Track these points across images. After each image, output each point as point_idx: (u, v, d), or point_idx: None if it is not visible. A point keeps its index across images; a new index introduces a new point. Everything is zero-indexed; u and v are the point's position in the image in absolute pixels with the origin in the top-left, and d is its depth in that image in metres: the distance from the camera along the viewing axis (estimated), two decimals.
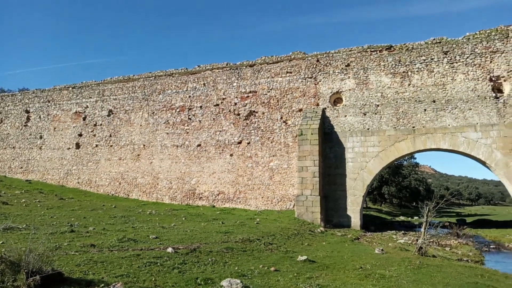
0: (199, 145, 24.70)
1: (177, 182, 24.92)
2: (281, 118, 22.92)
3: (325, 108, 21.97)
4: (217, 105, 24.64)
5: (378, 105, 20.84)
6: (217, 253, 9.63)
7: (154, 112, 26.53)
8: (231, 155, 23.73)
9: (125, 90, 27.93)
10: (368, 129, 20.78)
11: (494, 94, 19.00)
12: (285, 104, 22.97)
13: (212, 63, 25.54)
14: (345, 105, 21.66)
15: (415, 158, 50.82)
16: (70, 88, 30.09)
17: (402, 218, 35.25)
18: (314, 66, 22.64)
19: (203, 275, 7.58)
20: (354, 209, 20.31)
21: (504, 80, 19.01)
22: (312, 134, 20.42)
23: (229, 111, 24.26)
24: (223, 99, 24.54)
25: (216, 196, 23.70)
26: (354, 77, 21.60)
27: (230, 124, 24.13)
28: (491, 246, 16.71)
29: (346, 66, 21.89)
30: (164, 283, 6.78)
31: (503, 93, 19.05)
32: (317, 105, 22.20)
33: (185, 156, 24.97)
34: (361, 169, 20.46)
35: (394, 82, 20.74)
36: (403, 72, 20.62)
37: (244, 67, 24.33)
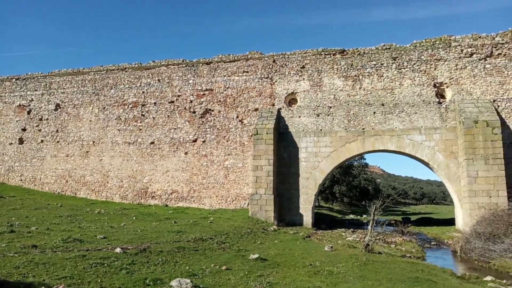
0: (152, 143, 24.12)
1: (129, 181, 24.18)
2: (237, 117, 22.94)
3: (281, 109, 22.27)
4: (172, 102, 24.19)
5: (330, 107, 21.45)
6: (168, 253, 9.46)
7: (105, 108, 25.55)
8: (186, 153, 23.41)
9: (74, 84, 26.66)
10: (321, 130, 21.33)
11: (437, 100, 20.21)
12: (241, 103, 23.01)
13: (167, 59, 25.02)
14: (300, 106, 22.09)
15: (365, 159, 52.89)
16: (14, 80, 28.22)
17: (352, 216, 36.55)
18: (271, 66, 22.87)
19: (152, 275, 7.41)
20: (306, 208, 20.77)
21: (447, 87, 20.28)
22: (267, 133, 20.63)
23: (185, 108, 23.90)
24: (179, 96, 24.14)
25: (169, 195, 23.27)
26: (309, 79, 22.08)
27: (185, 121, 23.78)
28: (432, 243, 17.74)
29: (301, 68, 22.32)
30: (110, 285, 6.55)
31: (446, 98, 20.32)
32: (273, 105, 22.45)
33: (138, 154, 24.28)
34: (314, 168, 20.96)
35: (346, 85, 21.44)
36: (355, 75, 21.37)
37: (201, 65, 24.09)
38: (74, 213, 17.16)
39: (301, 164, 21.25)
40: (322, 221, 24.58)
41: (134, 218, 16.83)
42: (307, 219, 20.59)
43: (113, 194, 24.34)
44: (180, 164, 23.41)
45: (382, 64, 21.11)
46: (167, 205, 22.75)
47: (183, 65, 24.42)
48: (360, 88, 21.25)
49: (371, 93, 21.04)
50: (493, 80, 19.55)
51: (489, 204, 17.07)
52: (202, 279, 7.43)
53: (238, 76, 23.31)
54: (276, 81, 22.65)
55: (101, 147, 25.18)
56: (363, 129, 20.74)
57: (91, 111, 25.86)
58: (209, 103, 23.53)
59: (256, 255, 9.66)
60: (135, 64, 25.58)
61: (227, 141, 22.85)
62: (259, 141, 20.64)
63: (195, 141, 23.42)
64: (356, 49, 21.76)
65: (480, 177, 17.69)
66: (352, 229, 20.51)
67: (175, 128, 23.88)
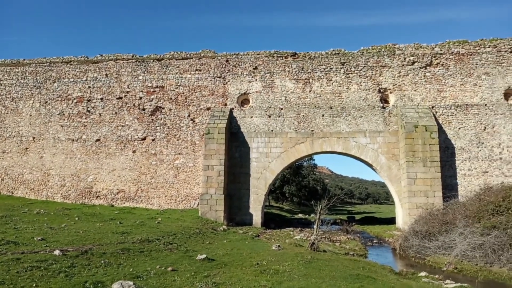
0: (98, 140, 23.14)
1: (72, 179, 23.01)
2: (189, 115, 22.63)
3: (233, 108, 22.29)
4: (120, 98, 23.37)
5: (282, 108, 21.81)
6: (111, 254, 9.13)
7: (47, 102, 24.13)
8: (134, 151, 22.72)
9: (12, 75, 24.91)
10: (272, 130, 21.63)
11: (381, 104, 21.24)
12: (193, 102, 22.74)
13: (116, 53, 24.11)
14: (252, 106, 22.24)
15: (314, 160, 54.39)
16: None
17: (300, 215, 37.42)
18: (224, 66, 22.81)
19: (93, 278, 7.12)
20: (256, 207, 20.96)
21: (390, 92, 21.37)
22: (219, 133, 20.56)
23: (134, 105, 23.19)
24: (127, 92, 23.37)
25: (115, 195, 22.45)
26: (261, 80, 22.29)
27: (134, 119, 23.07)
28: (374, 241, 18.64)
29: (254, 68, 22.49)
30: None
31: (389, 103, 21.40)
32: (225, 104, 22.41)
33: (82, 152, 23.18)
34: (264, 168, 21.21)
35: (297, 87, 21.91)
36: (305, 78, 21.90)
37: (152, 61, 23.49)
38: (10, 213, 16.03)
39: (252, 164, 21.41)
40: (271, 221, 24.93)
41: (76, 218, 16.06)
42: (257, 218, 20.78)
43: (54, 193, 23.05)
44: (128, 163, 22.67)
45: (331, 68, 21.82)
46: (113, 205, 21.93)
47: (133, 60, 23.68)
48: (310, 91, 21.81)
49: (320, 96, 21.66)
50: (432, 87, 20.89)
51: (426, 204, 18.23)
52: (146, 281, 7.26)
53: (190, 74, 23.01)
54: (229, 81, 22.64)
55: (42, 143, 23.75)
56: (312, 131, 21.31)
57: (31, 105, 24.31)
58: (160, 101, 23.01)
59: (204, 256, 9.59)
60: (81, 57, 24.41)
61: (177, 140, 22.47)
62: (211, 140, 20.53)
63: (144, 139, 22.79)
64: (307, 53, 22.30)
65: (418, 178, 18.84)
66: (300, 228, 20.99)
67: (123, 125, 23.09)
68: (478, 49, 20.83)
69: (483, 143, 19.93)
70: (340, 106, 21.41)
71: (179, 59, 23.26)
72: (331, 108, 21.46)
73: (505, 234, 11.90)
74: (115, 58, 23.91)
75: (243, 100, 22.66)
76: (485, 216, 13.44)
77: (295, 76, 22.04)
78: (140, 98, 23.18)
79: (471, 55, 20.87)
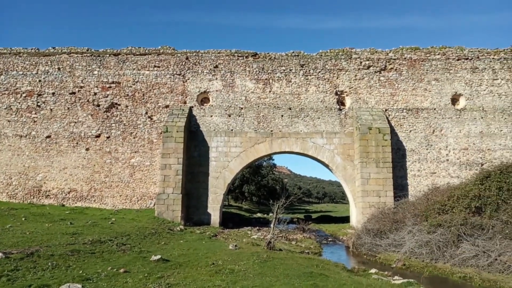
0: (48, 137, 22.04)
1: (19, 178, 21.75)
2: (146, 113, 22.10)
3: (193, 107, 22.03)
4: (74, 93, 22.39)
5: (242, 108, 21.85)
6: (59, 256, 8.73)
7: None
8: (87, 149, 21.85)
9: None
10: (232, 130, 21.61)
11: (338, 107, 21.83)
12: (151, 99, 22.23)
13: (70, 46, 23.07)
14: (212, 105, 22.10)
15: (273, 159, 55.00)
16: None
17: (259, 214, 37.69)
18: (183, 63, 22.49)
19: (39, 281, 6.78)
20: (215, 207, 20.85)
21: (347, 95, 22.02)
22: (177, 131, 20.24)
23: (88, 101, 22.30)
24: (81, 87, 22.43)
25: (66, 194, 21.48)
26: (222, 79, 22.20)
27: (87, 115, 22.18)
28: (329, 239, 19.13)
29: (214, 67, 22.35)
30: None
31: (345, 106, 22.04)
32: (185, 103, 22.10)
33: (31, 148, 21.98)
34: (224, 168, 21.14)
35: (257, 87, 22.03)
36: (266, 79, 22.07)
37: (108, 55, 22.69)
38: None
39: (211, 163, 21.27)
40: (230, 220, 24.91)
41: (23, 219, 15.21)
42: (215, 218, 20.68)
43: None
44: (80, 161, 21.77)
45: (291, 70, 22.13)
46: (63, 205, 20.97)
47: (88, 54, 22.76)
48: (270, 91, 22.00)
49: (280, 97, 21.91)
50: (386, 91, 21.76)
51: (378, 203, 18.97)
52: (96, 283, 7.01)
53: (148, 70, 22.48)
54: (188, 79, 22.34)
55: None
56: (271, 131, 21.51)
57: None
58: (116, 97, 22.28)
59: (158, 256, 9.41)
60: (32, 49, 23.12)
61: (134, 137, 21.87)
62: (169, 139, 20.17)
63: (98, 136, 21.98)
64: (268, 53, 22.48)
65: (371, 178, 19.55)
66: (258, 227, 21.11)
67: (75, 122, 22.13)
68: (429, 56, 21.95)
69: (431, 145, 21.03)
70: (299, 107, 21.78)
71: (137, 55, 22.65)
72: (290, 109, 21.77)
73: (449, 231, 12.62)
74: (68, 51, 22.87)
75: (203, 99, 22.47)
76: (432, 214, 14.19)
77: (256, 76, 22.15)
78: (95, 93, 22.33)
79: (422, 61, 21.94)
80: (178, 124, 20.47)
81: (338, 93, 22.01)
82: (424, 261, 12.26)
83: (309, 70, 22.08)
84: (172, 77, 22.34)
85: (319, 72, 22.06)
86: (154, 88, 22.31)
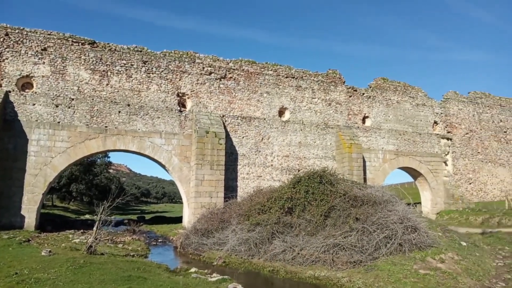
0: None
1: None
2: None
3: (10, 92, 18.98)
4: None
5: (73, 99, 19.92)
6: None
7: None
8: None
9: None
10: (59, 122, 19.49)
11: (179, 108, 22.04)
12: None
13: None
14: (36, 92, 19.48)
15: (109, 157, 51.60)
16: None
17: (88, 216, 34.79)
18: (2, 40, 19.20)
19: None
20: (30, 208, 18.36)
21: (188, 98, 22.42)
22: None
23: None
24: None
25: None
26: (50, 64, 19.81)
27: None
28: (159, 240, 19.04)
29: (42, 50, 19.77)
30: None
31: (186, 108, 22.41)
32: (0, 86, 18.87)
33: None
34: (45, 164, 18.85)
35: (93, 78, 20.45)
36: (103, 71, 20.68)
37: None
38: None
39: (30, 158, 18.69)
40: (51, 222, 22.37)
41: None
42: (30, 220, 18.21)
43: None
44: None
45: (132, 65, 21.30)
46: None
47: None
48: (107, 84, 20.69)
49: (118, 91, 20.83)
50: (224, 98, 23.02)
51: (210, 204, 19.86)
52: None
53: None
54: (7, 58, 19.17)
55: None
56: (106, 127, 20.25)
57: None
58: None
59: None
60: None
61: None
62: None
63: None
64: (108, 44, 21.12)
65: (205, 180, 20.34)
66: (82, 230, 19.52)
67: None
68: (263, 70, 24.21)
69: (260, 151, 23.19)
70: (139, 105, 21.11)
71: None
72: (128, 105, 20.91)
73: (265, 229, 14.13)
74: None
75: (25, 84, 19.59)
76: (253, 214, 15.62)
77: (92, 66, 20.52)
78: None
79: (257, 74, 24.04)
80: None
81: (180, 95, 22.22)
82: (242, 257, 13.40)
83: (152, 68, 21.66)
84: None
85: (162, 71, 21.86)
86: None
